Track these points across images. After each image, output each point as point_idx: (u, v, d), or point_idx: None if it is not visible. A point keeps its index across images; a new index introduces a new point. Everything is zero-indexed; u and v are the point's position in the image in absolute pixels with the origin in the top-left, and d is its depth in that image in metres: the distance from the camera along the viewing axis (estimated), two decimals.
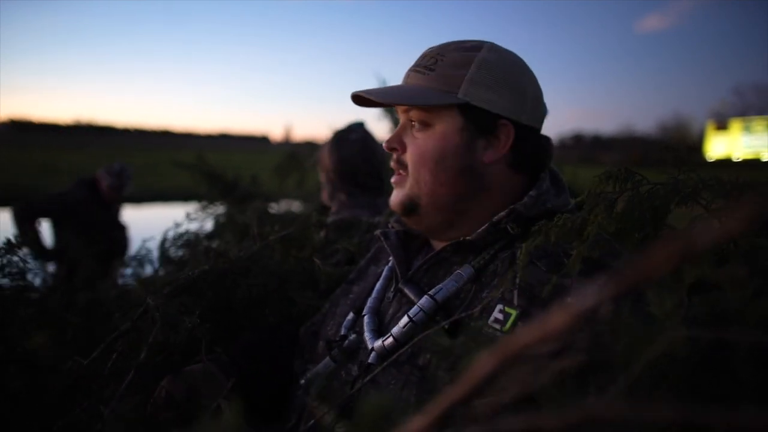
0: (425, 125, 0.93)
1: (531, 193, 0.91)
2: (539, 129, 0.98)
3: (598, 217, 0.69)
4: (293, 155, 4.98)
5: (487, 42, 0.97)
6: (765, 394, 0.34)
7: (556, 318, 0.25)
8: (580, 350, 0.28)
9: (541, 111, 0.98)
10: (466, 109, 0.91)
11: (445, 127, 0.92)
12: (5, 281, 1.02)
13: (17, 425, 0.78)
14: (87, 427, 0.79)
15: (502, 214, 0.89)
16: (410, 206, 0.96)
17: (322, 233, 1.55)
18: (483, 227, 0.90)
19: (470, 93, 0.90)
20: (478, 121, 0.91)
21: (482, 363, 0.26)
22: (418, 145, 0.94)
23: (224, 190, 3.34)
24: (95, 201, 3.88)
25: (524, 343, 0.25)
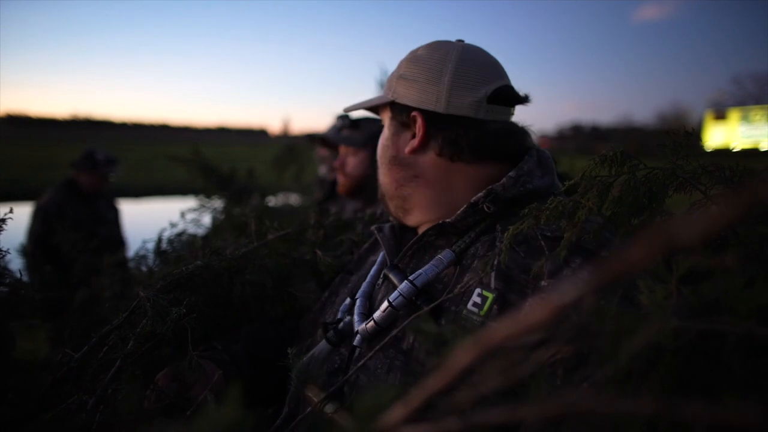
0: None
1: (510, 174, 0.90)
2: (473, 116, 0.93)
3: (590, 201, 0.68)
4: (291, 148, 4.98)
5: (448, 41, 0.98)
6: (754, 384, 0.34)
7: (538, 309, 0.25)
8: (564, 341, 0.28)
9: (472, 98, 0.92)
10: (393, 106, 1.01)
11: (385, 124, 1.05)
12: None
13: (2, 419, 0.77)
14: (74, 419, 0.79)
15: (480, 195, 0.89)
16: (380, 193, 1.10)
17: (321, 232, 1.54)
18: (462, 209, 0.90)
19: (396, 91, 0.99)
20: (398, 116, 1.00)
21: (462, 354, 0.25)
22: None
23: (220, 184, 3.33)
24: (76, 199, 3.80)
25: (505, 335, 0.25)
